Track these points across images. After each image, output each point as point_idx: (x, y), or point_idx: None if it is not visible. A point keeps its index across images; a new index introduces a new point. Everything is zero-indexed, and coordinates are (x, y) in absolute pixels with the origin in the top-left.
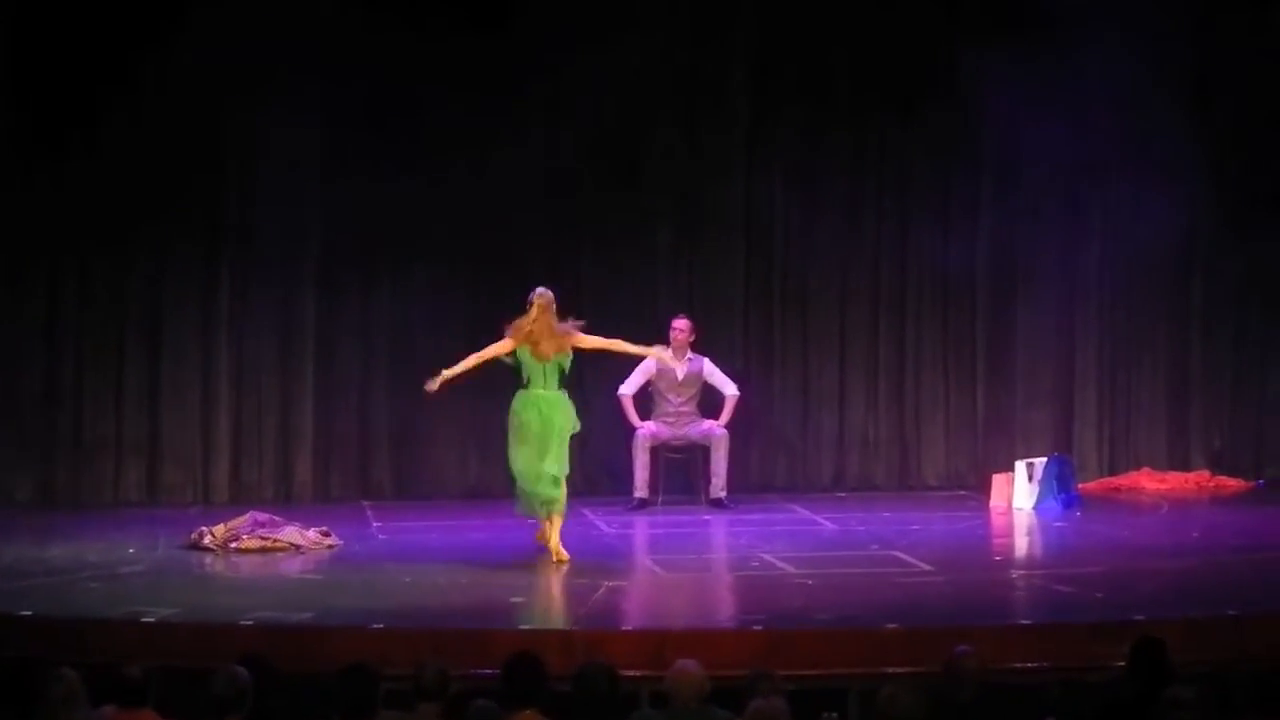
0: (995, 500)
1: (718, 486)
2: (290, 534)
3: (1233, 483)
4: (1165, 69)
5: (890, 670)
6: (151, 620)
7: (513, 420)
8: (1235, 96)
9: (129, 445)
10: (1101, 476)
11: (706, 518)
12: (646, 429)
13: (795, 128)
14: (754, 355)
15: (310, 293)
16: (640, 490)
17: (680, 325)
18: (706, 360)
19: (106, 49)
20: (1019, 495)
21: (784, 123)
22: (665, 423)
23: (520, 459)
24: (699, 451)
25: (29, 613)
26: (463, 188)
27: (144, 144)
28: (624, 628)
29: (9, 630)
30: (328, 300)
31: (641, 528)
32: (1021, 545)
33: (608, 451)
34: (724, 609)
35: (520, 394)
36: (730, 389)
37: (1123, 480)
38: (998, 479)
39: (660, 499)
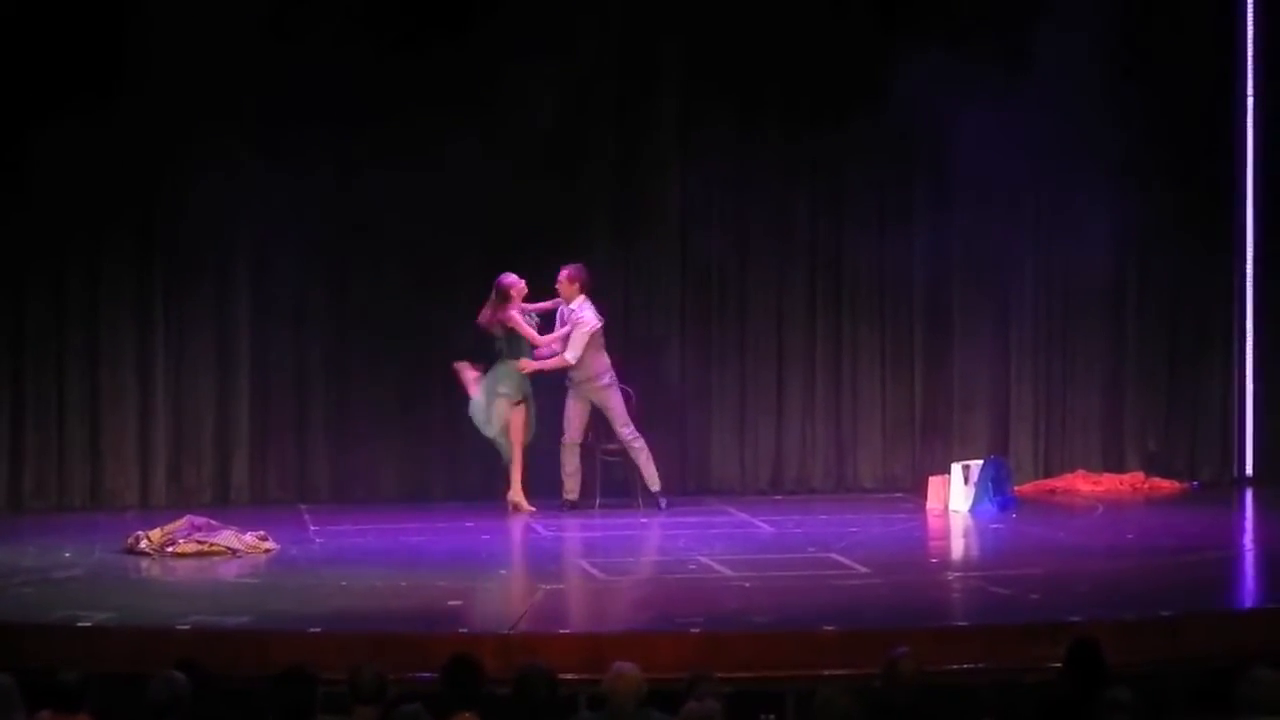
0: (932, 502)
1: (652, 481)
2: (227, 538)
3: (1167, 485)
4: (1103, 77)
5: (827, 672)
6: (87, 625)
7: None
8: (1172, 107)
9: (69, 450)
10: (1037, 478)
11: (644, 520)
12: (570, 433)
13: (729, 131)
14: (691, 358)
15: (245, 297)
16: (570, 494)
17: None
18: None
19: (39, 59)
20: (955, 497)
21: (718, 126)
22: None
23: None
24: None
25: None
26: (396, 194)
27: (76, 152)
28: (562, 631)
29: None
30: (262, 304)
31: (578, 530)
32: (958, 547)
33: (547, 455)
34: (661, 612)
35: None
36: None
37: (1058, 482)
38: (934, 481)
39: (598, 502)
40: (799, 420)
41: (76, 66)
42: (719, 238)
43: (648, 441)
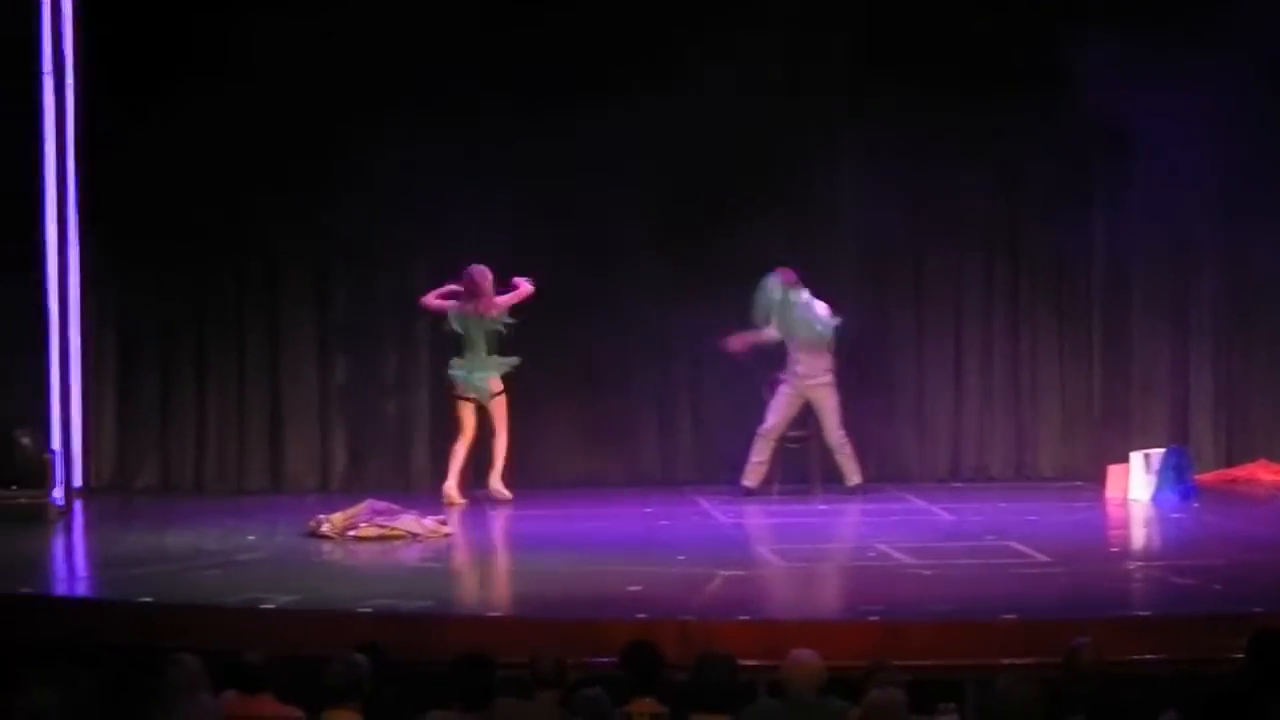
0: (1112, 491)
1: (852, 476)
2: (407, 522)
3: None
4: None
5: (1007, 662)
6: (270, 607)
7: None
8: None
9: (250, 434)
10: (1218, 468)
11: (822, 507)
12: (771, 424)
13: (906, 113)
14: (868, 345)
15: (424, 279)
16: (749, 480)
17: None
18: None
19: (224, 47)
20: (1136, 486)
21: (894, 108)
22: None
23: None
24: (815, 440)
25: (149, 599)
26: (564, 175)
27: (252, 132)
28: (741, 617)
29: (129, 617)
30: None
31: (757, 517)
32: (1139, 536)
33: (725, 440)
34: (841, 599)
35: None
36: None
37: (1239, 471)
38: (1114, 470)
39: (776, 488)
40: (977, 407)
41: (245, 52)
42: (895, 223)
43: (816, 427)
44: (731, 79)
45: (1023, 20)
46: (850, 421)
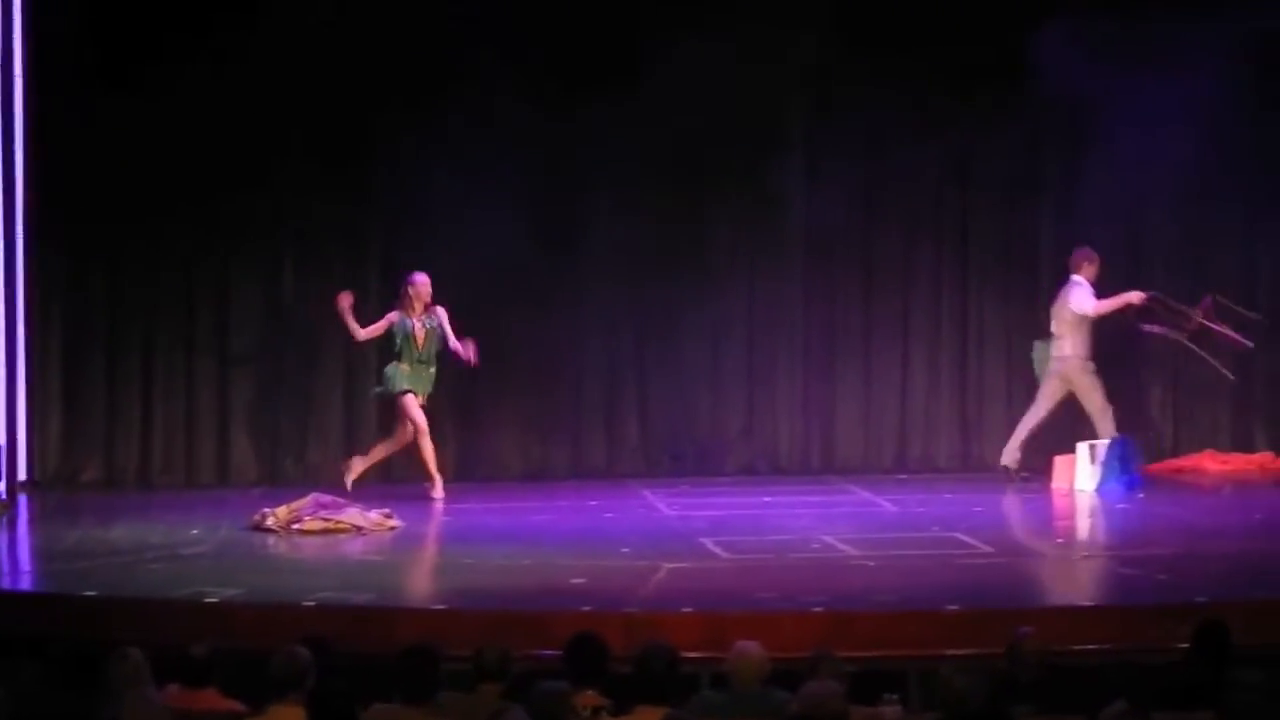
0: (1058, 482)
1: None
2: (352, 515)
3: None
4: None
5: (951, 652)
6: (214, 601)
7: None
8: None
9: (196, 428)
10: (1165, 459)
11: (767, 499)
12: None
13: (861, 104)
14: (815, 335)
15: (374, 276)
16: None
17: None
18: None
19: (179, 38)
20: (1082, 477)
21: (848, 98)
22: None
23: None
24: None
25: (93, 593)
26: (520, 164)
27: (214, 127)
28: (685, 609)
29: (74, 610)
30: (390, 284)
31: (702, 510)
32: (1084, 527)
33: (667, 433)
34: (785, 591)
35: None
36: None
37: (1185, 462)
38: (1060, 461)
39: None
40: (924, 398)
41: (201, 43)
42: (843, 213)
43: (762, 418)
44: (694, 69)
45: (978, 9)
46: (794, 411)
